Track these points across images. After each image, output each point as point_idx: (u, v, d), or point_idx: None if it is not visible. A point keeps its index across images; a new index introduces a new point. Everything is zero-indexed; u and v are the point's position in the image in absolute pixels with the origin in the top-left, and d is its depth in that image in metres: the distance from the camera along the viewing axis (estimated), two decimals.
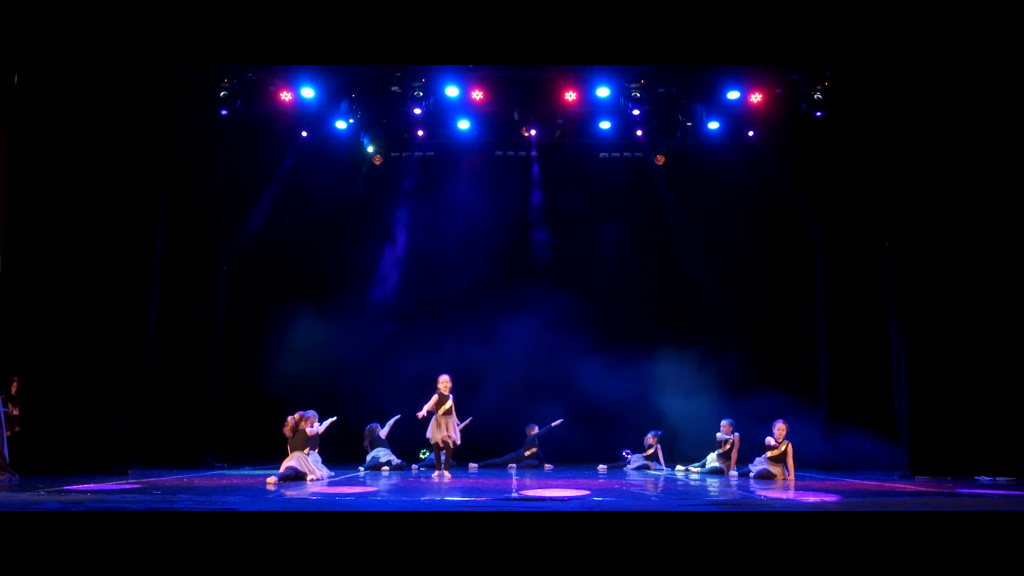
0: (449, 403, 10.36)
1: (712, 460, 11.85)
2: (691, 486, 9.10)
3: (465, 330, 13.52)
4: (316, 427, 9.83)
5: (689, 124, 12.70)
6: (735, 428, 11.81)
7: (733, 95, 11.89)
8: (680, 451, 13.41)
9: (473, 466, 12.35)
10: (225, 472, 11.17)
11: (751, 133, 12.92)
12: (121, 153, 11.03)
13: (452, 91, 11.79)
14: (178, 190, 12.25)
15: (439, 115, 12.59)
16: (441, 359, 13.45)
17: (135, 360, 11.31)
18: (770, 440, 10.48)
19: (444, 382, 10.43)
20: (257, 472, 10.99)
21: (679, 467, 12.46)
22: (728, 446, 11.67)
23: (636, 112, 12.20)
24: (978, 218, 10.92)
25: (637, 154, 13.93)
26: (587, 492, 7.61)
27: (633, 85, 11.83)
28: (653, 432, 12.71)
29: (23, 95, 9.77)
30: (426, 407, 10.48)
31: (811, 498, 7.31)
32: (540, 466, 12.49)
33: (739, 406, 12.85)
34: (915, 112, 11.20)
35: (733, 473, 11.42)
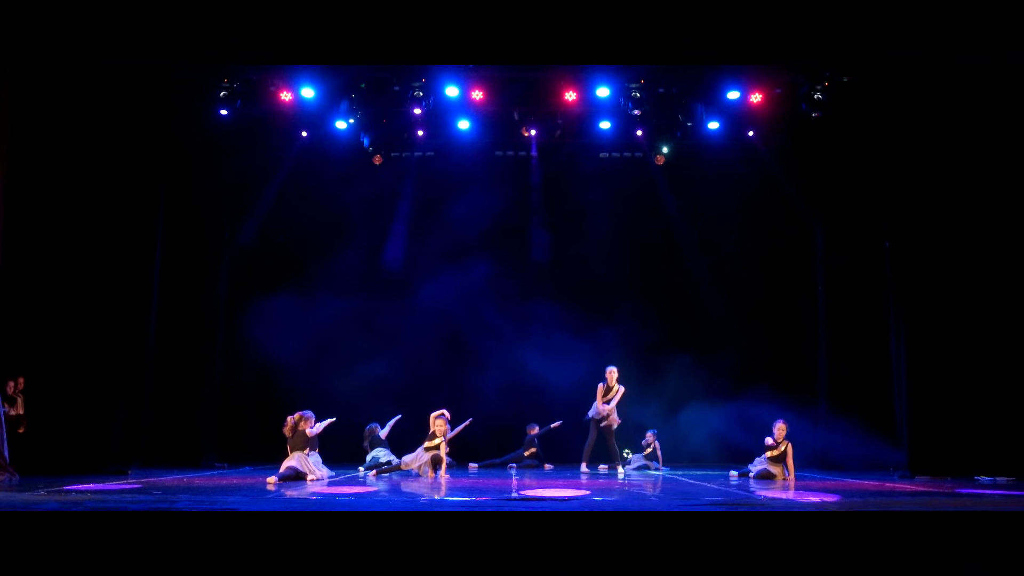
0: (438, 441, 10.31)
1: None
2: (691, 486, 9.09)
3: (465, 330, 13.52)
4: (315, 427, 9.83)
5: (689, 124, 12.69)
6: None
7: (733, 95, 11.89)
8: (681, 451, 13.43)
9: (473, 466, 12.35)
10: (225, 472, 11.16)
11: (751, 133, 12.93)
12: (121, 153, 11.04)
13: (452, 91, 11.79)
14: (178, 190, 12.26)
15: (439, 115, 12.58)
16: (441, 359, 13.47)
17: (135, 360, 11.31)
18: (770, 440, 10.48)
19: (440, 424, 10.39)
20: (257, 472, 10.99)
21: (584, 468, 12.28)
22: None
23: (636, 112, 12.19)
24: (978, 218, 10.93)
25: (637, 154, 13.93)
26: (587, 492, 7.61)
27: (633, 85, 11.83)
28: (651, 430, 12.72)
29: (23, 95, 9.77)
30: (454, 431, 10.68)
31: (811, 498, 7.30)
32: (540, 466, 12.49)
33: (739, 406, 12.87)
34: (915, 112, 11.21)
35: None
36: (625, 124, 12.86)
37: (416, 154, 13.92)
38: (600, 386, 11.76)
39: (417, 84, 11.71)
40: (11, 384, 10.08)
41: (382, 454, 11.55)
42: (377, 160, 13.48)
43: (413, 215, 14.15)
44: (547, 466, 12.49)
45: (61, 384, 10.49)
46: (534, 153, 13.87)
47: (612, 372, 11.78)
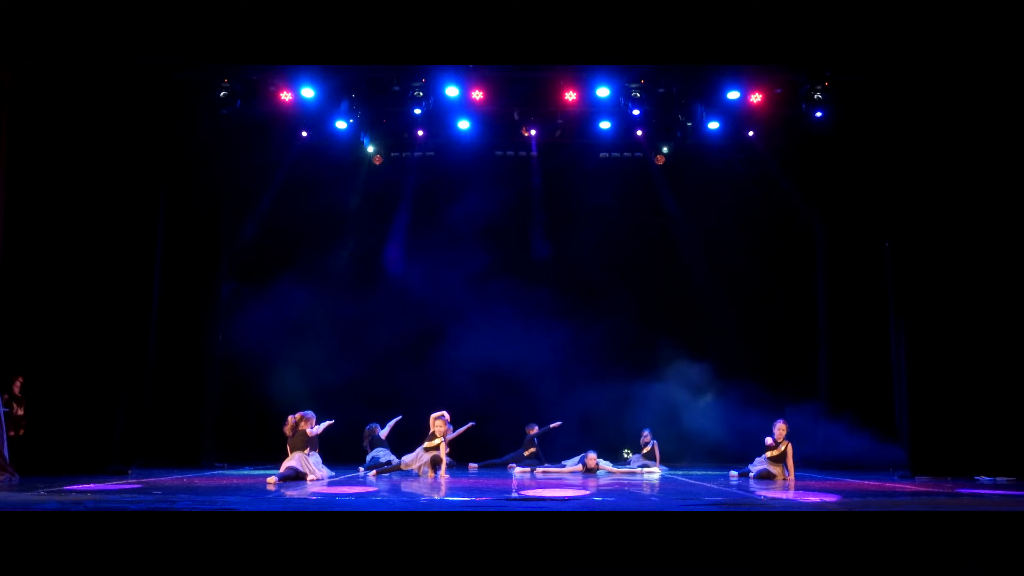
0: (437, 441, 10.30)
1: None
2: (691, 486, 9.09)
3: (465, 330, 13.50)
4: (315, 428, 9.84)
5: (689, 124, 12.70)
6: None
7: (733, 95, 11.89)
8: (681, 450, 13.44)
9: (473, 466, 12.34)
10: (225, 472, 11.16)
11: (751, 133, 12.93)
12: (121, 153, 11.03)
13: (452, 91, 11.79)
14: (178, 190, 12.24)
15: (439, 115, 12.59)
16: (441, 359, 13.45)
17: (135, 360, 11.30)
18: (770, 440, 10.48)
19: (440, 424, 10.36)
20: (257, 472, 10.99)
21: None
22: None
23: (636, 112, 12.21)
24: (978, 218, 10.91)
25: (637, 154, 13.93)
26: (587, 492, 7.61)
27: (633, 85, 11.83)
28: (647, 429, 12.72)
29: (23, 95, 9.77)
30: (454, 432, 10.74)
31: (811, 498, 7.31)
32: (539, 466, 12.47)
33: (739, 405, 12.87)
34: (915, 112, 11.20)
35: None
36: (625, 124, 12.87)
37: (416, 154, 13.91)
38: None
39: (417, 84, 11.71)
40: (17, 383, 10.09)
41: (382, 454, 11.55)
42: (377, 160, 13.48)
43: (413, 215, 14.15)
44: (546, 465, 12.47)
45: (61, 384, 10.48)
46: (534, 153, 13.87)
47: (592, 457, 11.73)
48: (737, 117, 12.56)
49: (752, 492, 8.15)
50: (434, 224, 13.97)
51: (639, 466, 12.34)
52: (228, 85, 11.51)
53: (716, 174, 13.71)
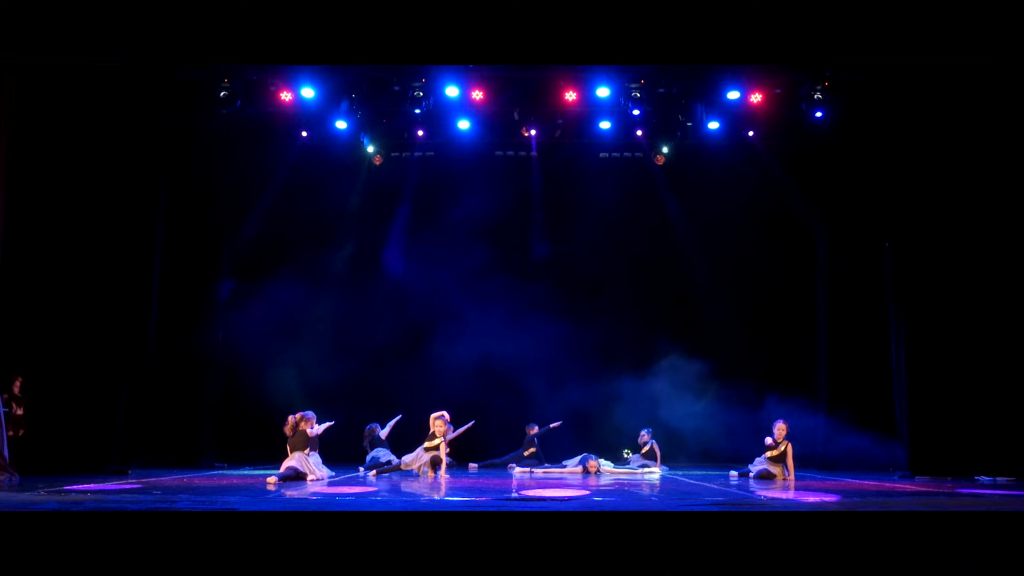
0: (437, 441, 10.31)
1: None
2: (691, 486, 9.09)
3: (465, 330, 13.52)
4: (315, 428, 9.84)
5: (689, 124, 12.69)
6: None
7: (733, 95, 11.88)
8: (681, 450, 13.44)
9: (473, 466, 12.35)
10: (225, 472, 11.17)
11: (751, 133, 12.91)
12: (121, 153, 11.05)
13: (452, 91, 11.79)
14: (178, 190, 12.26)
15: (439, 115, 12.58)
16: (440, 359, 13.46)
17: (135, 360, 11.32)
18: (770, 440, 10.48)
19: (440, 424, 10.38)
20: (257, 472, 10.99)
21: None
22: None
23: (636, 112, 12.21)
24: (978, 218, 10.92)
25: (637, 154, 13.92)
26: (587, 492, 7.61)
27: (633, 85, 11.82)
28: (646, 429, 12.71)
29: (23, 95, 9.77)
30: (454, 432, 10.76)
31: (811, 498, 7.31)
32: (539, 466, 12.48)
33: (738, 405, 12.87)
34: (915, 112, 11.21)
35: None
36: (625, 124, 12.85)
37: (416, 154, 13.90)
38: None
39: (417, 84, 11.70)
40: (17, 383, 10.10)
41: (382, 454, 11.55)
42: (377, 160, 13.47)
43: (413, 215, 14.15)
44: (546, 466, 12.47)
45: (61, 384, 10.49)
46: (534, 153, 13.84)
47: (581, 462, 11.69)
48: (737, 117, 12.55)
49: (752, 492, 8.15)
50: (434, 224, 13.97)
51: (639, 466, 12.33)
52: (228, 85, 11.50)
53: (716, 174, 13.70)
